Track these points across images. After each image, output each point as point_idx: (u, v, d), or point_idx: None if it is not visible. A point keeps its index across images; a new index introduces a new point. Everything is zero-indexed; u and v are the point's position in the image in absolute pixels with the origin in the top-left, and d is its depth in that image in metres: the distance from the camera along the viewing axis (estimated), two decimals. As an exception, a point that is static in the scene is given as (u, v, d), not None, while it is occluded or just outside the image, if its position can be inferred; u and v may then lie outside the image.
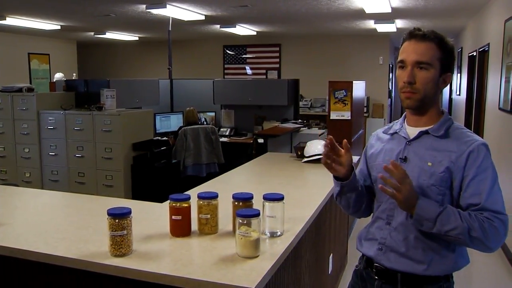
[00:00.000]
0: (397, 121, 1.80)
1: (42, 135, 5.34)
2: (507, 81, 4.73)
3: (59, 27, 8.87)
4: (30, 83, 9.78)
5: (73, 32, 10.05)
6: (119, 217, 1.73)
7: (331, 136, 1.68)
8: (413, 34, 1.62)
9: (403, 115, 1.78)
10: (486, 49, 6.36)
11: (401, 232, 1.65)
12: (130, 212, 1.76)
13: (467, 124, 7.66)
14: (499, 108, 5.17)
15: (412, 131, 1.69)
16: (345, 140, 1.70)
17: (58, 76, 7.05)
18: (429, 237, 1.59)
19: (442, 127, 1.64)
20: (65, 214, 2.43)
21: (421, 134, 1.66)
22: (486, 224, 1.49)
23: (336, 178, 1.76)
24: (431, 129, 1.64)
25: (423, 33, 1.61)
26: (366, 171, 1.85)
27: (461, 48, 9.79)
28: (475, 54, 7.34)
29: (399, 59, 1.64)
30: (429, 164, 1.59)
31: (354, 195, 1.77)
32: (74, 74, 9.36)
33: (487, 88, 6.32)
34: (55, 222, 2.20)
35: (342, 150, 1.69)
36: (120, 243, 1.74)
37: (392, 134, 1.76)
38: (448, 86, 10.97)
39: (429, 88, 1.60)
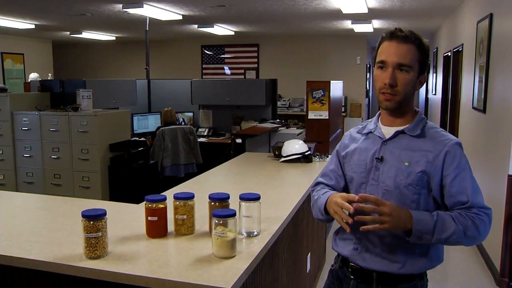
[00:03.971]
0: (370, 120, 1.81)
1: (16, 136, 5.24)
2: (480, 81, 4.83)
3: (33, 26, 8.72)
4: (4, 83, 9.58)
5: (48, 32, 9.89)
6: (93, 218, 1.72)
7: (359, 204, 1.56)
8: (394, 35, 1.61)
9: (377, 114, 1.78)
10: (460, 49, 6.47)
11: (376, 233, 1.65)
12: (105, 214, 1.75)
13: (443, 123, 7.78)
14: (473, 107, 5.26)
15: (388, 131, 1.70)
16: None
17: (33, 76, 6.93)
18: (404, 237, 1.61)
19: (417, 126, 1.65)
20: (39, 216, 2.40)
21: (397, 133, 1.67)
22: (477, 221, 1.53)
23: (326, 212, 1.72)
24: (407, 129, 1.65)
25: (405, 34, 1.60)
26: (341, 171, 1.84)
27: (437, 48, 9.94)
28: (449, 54, 7.46)
29: (379, 59, 1.63)
30: (406, 164, 1.61)
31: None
32: (49, 74, 9.21)
33: (461, 88, 6.43)
34: (29, 225, 2.17)
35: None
36: (95, 245, 1.72)
37: (366, 134, 1.76)
38: (425, 85, 11.15)
39: (408, 90, 1.62)
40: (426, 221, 1.52)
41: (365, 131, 1.77)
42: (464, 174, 1.58)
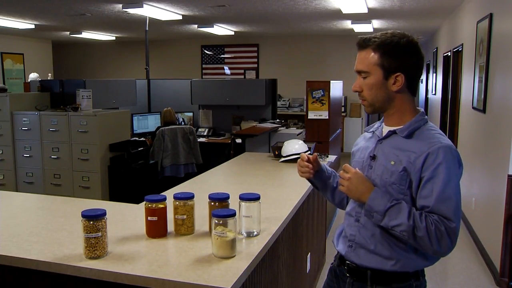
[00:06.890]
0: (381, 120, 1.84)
1: (16, 136, 5.24)
2: (480, 81, 4.83)
3: (33, 26, 8.72)
4: (4, 83, 9.59)
5: (48, 32, 9.89)
6: (93, 218, 1.72)
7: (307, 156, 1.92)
8: (357, 43, 1.67)
9: None
10: (460, 49, 6.47)
11: (369, 228, 1.67)
12: (104, 214, 1.75)
13: (443, 123, 7.78)
14: (473, 107, 5.26)
15: (386, 130, 1.72)
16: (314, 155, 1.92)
17: (33, 76, 6.93)
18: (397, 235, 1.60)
19: (409, 127, 1.65)
20: (39, 216, 2.40)
21: (390, 133, 1.69)
22: (432, 227, 1.50)
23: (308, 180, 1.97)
24: (399, 129, 1.67)
25: (363, 40, 1.64)
26: None
27: (436, 48, 9.94)
28: (449, 54, 7.46)
29: None
30: (392, 163, 1.62)
31: (331, 187, 1.95)
32: (49, 74, 9.21)
33: (461, 88, 6.43)
34: (29, 225, 2.17)
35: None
36: (95, 245, 1.72)
37: (372, 133, 1.80)
38: (424, 85, 11.15)
39: (374, 94, 1.64)
40: (380, 202, 1.57)
41: (371, 129, 1.82)
42: (438, 179, 1.53)
